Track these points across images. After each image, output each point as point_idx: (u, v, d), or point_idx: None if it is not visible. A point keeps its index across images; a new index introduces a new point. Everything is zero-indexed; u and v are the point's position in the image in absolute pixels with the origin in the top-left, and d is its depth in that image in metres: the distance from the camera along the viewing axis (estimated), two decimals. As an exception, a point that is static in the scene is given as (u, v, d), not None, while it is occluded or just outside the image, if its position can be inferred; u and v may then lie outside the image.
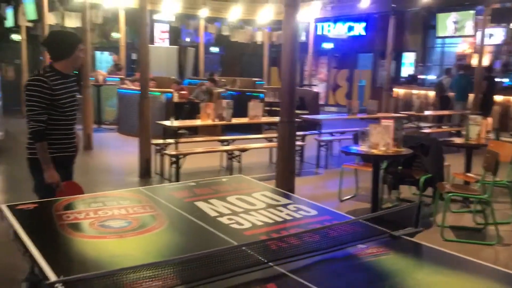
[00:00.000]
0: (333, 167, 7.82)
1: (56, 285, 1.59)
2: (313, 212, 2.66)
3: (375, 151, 4.67)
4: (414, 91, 14.62)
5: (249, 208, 2.67)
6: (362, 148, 4.78)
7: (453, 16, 11.34)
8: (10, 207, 2.54)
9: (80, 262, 1.96)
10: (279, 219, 2.51)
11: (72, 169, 3.56)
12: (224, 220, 2.47)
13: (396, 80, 16.42)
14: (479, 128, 5.68)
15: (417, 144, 5.45)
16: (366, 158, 5.56)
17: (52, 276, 1.69)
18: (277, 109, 10.60)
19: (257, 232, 2.30)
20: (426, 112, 9.85)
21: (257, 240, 2.11)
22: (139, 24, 6.90)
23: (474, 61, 12.62)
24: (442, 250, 2.16)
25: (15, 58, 15.37)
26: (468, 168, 5.80)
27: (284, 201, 2.87)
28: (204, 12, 14.72)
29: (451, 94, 12.19)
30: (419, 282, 1.84)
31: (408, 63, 17.08)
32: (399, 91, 15.26)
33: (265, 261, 1.92)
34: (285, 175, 4.08)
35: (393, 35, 12.65)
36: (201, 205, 2.71)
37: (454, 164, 6.34)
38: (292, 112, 4.13)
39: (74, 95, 3.41)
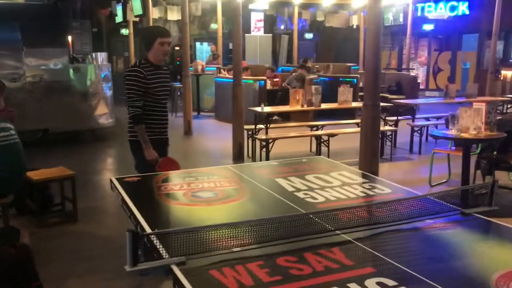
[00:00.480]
0: (427, 153, 7.61)
1: (152, 236, 1.92)
2: (387, 190, 2.77)
3: (464, 135, 4.56)
4: (524, 73, 13.55)
5: (325, 185, 2.86)
6: (452, 132, 4.69)
7: None
8: (119, 180, 2.97)
9: (173, 222, 2.31)
10: (352, 196, 2.67)
11: (167, 150, 3.90)
12: (300, 194, 2.68)
13: (505, 61, 15.29)
14: None
15: (514, 128, 5.18)
16: (458, 143, 5.41)
17: (148, 229, 2.03)
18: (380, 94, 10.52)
19: (330, 205, 2.48)
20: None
21: (323, 210, 2.30)
22: (233, 13, 7.27)
23: None
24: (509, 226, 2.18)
25: (124, 51, 16.71)
26: None
27: (360, 180, 3.01)
28: (298, -1, 14.85)
29: None
30: (477, 253, 1.92)
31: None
32: (507, 73, 14.23)
33: (332, 228, 2.11)
34: (367, 158, 4.17)
35: (500, 13, 11.78)
36: (281, 181, 2.94)
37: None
38: (376, 95, 4.19)
39: (166, 84, 3.74)
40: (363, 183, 2.94)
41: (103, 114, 8.78)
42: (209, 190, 2.79)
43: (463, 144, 4.83)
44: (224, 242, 1.94)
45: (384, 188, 2.82)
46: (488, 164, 5.36)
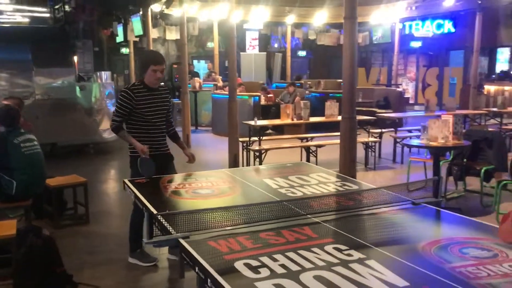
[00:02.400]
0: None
1: (161, 218, 2.48)
2: (355, 187, 3.33)
3: (433, 144, 5.14)
4: (506, 88, 14.20)
5: (304, 183, 3.42)
6: (422, 141, 5.27)
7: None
8: (131, 181, 3.53)
9: (178, 210, 2.86)
10: (325, 191, 3.23)
11: (173, 165, 4.26)
12: (282, 190, 3.24)
13: (489, 76, 15.99)
14: (547, 121, 5.85)
15: (482, 138, 5.78)
16: (429, 151, 5.99)
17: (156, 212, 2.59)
18: (361, 108, 11.12)
19: (306, 197, 3.04)
20: (510, 109, 9.76)
21: (296, 198, 2.88)
22: (228, 35, 7.89)
23: None
24: (445, 211, 2.75)
25: (125, 69, 17.36)
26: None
27: (334, 179, 3.57)
28: (290, 19, 15.56)
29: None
30: (414, 229, 2.50)
31: (503, 59, 16.52)
32: (490, 88, 14.89)
33: (304, 213, 2.67)
34: (346, 164, 4.74)
35: (480, 31, 12.49)
36: (267, 181, 3.50)
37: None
38: (352, 109, 4.77)
39: (160, 104, 4.00)
40: (336, 182, 3.51)
41: (107, 129, 9.34)
42: (207, 188, 3.35)
43: (433, 152, 5.41)
44: (219, 223, 2.50)
45: (352, 185, 3.38)
46: (459, 171, 5.94)
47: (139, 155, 3.91)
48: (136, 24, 13.16)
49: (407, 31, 16.98)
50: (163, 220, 2.51)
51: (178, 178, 3.70)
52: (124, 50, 17.21)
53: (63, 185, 5.12)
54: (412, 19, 16.08)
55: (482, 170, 5.50)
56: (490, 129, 6.48)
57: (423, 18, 16.11)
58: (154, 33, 13.91)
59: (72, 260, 4.11)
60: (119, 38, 15.50)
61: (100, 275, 3.93)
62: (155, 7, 12.68)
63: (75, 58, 10.47)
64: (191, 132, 10.62)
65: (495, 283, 1.81)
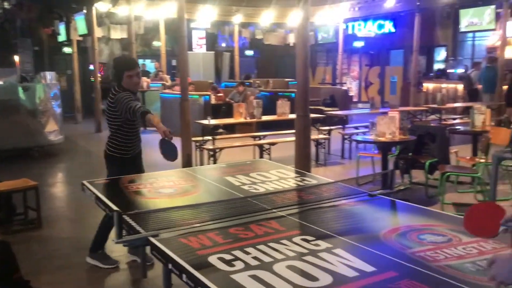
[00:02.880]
0: (356, 158, 8.50)
1: (129, 219, 2.48)
2: (314, 182, 3.46)
3: (381, 139, 5.39)
4: (443, 85, 15.00)
5: (265, 180, 3.51)
6: (371, 137, 5.52)
7: (473, 11, 11.76)
8: (90, 182, 3.48)
9: (141, 210, 2.86)
10: (287, 186, 3.33)
11: (141, 162, 4.21)
12: (245, 187, 3.31)
13: (427, 74, 16.80)
14: (483, 116, 6.28)
15: (425, 133, 6.11)
16: (377, 146, 6.27)
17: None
18: (316, 107, 11.39)
19: (270, 193, 3.12)
20: (448, 105, 10.35)
21: (260, 194, 2.96)
22: (178, 33, 7.85)
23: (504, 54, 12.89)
24: (400, 201, 2.93)
25: (67, 69, 16.78)
26: (475, 153, 6.41)
27: (293, 175, 3.69)
28: (238, 18, 15.65)
29: (480, 86, 12.57)
30: (374, 218, 2.64)
31: (440, 58, 17.40)
32: (429, 85, 15.67)
33: (270, 208, 2.75)
34: (301, 160, 4.88)
35: (419, 32, 13.13)
36: (229, 178, 3.56)
37: (465, 150, 6.95)
38: (306, 107, 4.93)
39: None
40: (296, 177, 3.63)
41: (53, 131, 9.04)
42: (170, 187, 3.37)
43: (381, 147, 5.67)
44: (188, 221, 2.53)
45: (312, 180, 3.51)
46: (405, 164, 6.25)
47: (122, 156, 3.90)
48: (80, 23, 12.79)
49: (350, 31, 17.55)
50: (130, 220, 2.52)
51: (138, 178, 3.68)
52: (67, 50, 16.65)
53: (12, 189, 4.93)
54: (355, 19, 16.64)
55: (427, 163, 5.82)
56: (433, 125, 6.86)
57: (365, 19, 16.71)
58: (98, 32, 13.55)
59: (28, 265, 3.98)
60: (62, 37, 14.98)
61: (59, 280, 3.84)
62: (100, 6, 12.39)
63: (17, 58, 10.04)
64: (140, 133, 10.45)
65: (452, 264, 1.98)
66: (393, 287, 1.77)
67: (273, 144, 7.84)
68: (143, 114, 3.67)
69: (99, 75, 13.83)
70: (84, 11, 12.39)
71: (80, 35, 13.27)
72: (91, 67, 15.01)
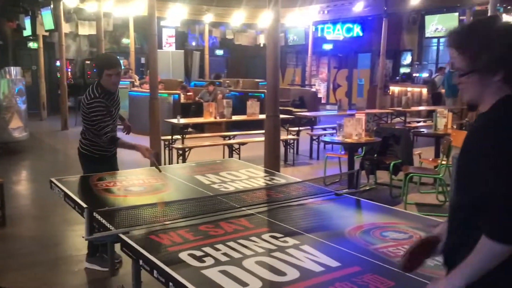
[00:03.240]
0: (324, 158, 8.65)
1: (99, 216, 2.49)
2: (283, 181, 3.54)
3: (348, 140, 5.53)
4: (409, 89, 15.40)
5: (235, 179, 3.56)
6: (338, 138, 5.65)
7: (438, 17, 12.14)
8: (58, 180, 3.45)
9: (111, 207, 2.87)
10: (256, 185, 3.40)
11: (116, 160, 4.15)
12: (215, 186, 3.36)
13: (393, 78, 17.21)
14: (445, 120, 6.51)
15: (390, 135, 6.30)
16: (344, 147, 6.41)
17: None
18: (285, 108, 11.49)
19: (239, 192, 3.18)
20: (413, 108, 10.65)
21: (230, 192, 3.02)
22: (148, 32, 7.80)
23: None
24: (365, 200, 3.04)
25: (32, 65, 16.37)
26: (437, 155, 6.64)
27: (262, 174, 3.76)
28: (208, 18, 15.64)
29: (443, 91, 12.98)
30: (340, 217, 2.74)
31: (406, 62, 17.84)
32: (395, 89, 16.06)
33: (239, 206, 2.81)
34: (271, 160, 4.96)
35: (386, 36, 13.45)
36: (199, 177, 3.60)
37: (428, 152, 7.18)
38: (276, 107, 5.00)
39: (119, 105, 3.97)
40: (265, 176, 3.70)
41: (17, 128, 8.84)
42: (139, 185, 3.38)
43: (348, 148, 5.81)
44: (158, 218, 2.56)
45: (280, 179, 3.59)
46: (371, 165, 6.41)
47: (94, 154, 3.86)
48: (46, 17, 12.50)
49: (319, 34, 17.79)
50: (101, 217, 2.52)
51: (107, 176, 3.67)
52: (32, 45, 16.24)
53: (-25, 187, 4.81)
54: (324, 22, 16.88)
55: (391, 164, 6.00)
56: (397, 127, 7.07)
57: (334, 22, 16.97)
58: (66, 28, 13.30)
59: (-9, 264, 3.92)
60: (27, 32, 14.59)
61: (24, 278, 3.78)
62: (68, 1, 12.16)
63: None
64: (108, 131, 10.33)
65: (412, 259, 2.08)
66: (357, 281, 1.85)
67: (243, 144, 7.90)
68: (112, 140, 3.73)
69: (66, 71, 13.57)
70: (51, 6, 12.13)
71: (47, 30, 12.97)
72: (58, 63, 14.71)
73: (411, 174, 5.62)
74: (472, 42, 1.46)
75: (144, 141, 8.72)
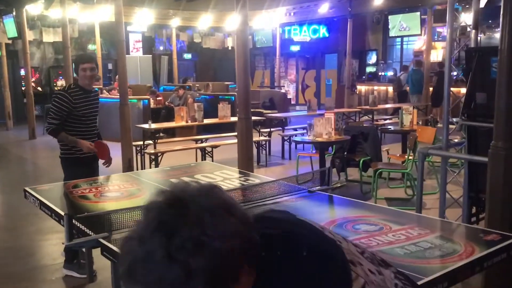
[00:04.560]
0: (296, 159, 8.79)
1: (78, 223, 2.52)
2: (257, 181, 3.62)
3: (319, 139, 5.66)
4: (375, 87, 15.77)
5: (210, 181, 3.62)
6: (309, 137, 5.78)
7: (401, 17, 12.51)
8: (32, 189, 3.44)
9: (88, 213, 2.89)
10: (231, 186, 3.47)
11: (97, 165, 4.21)
12: (191, 188, 3.41)
13: (360, 77, 17.58)
14: (411, 116, 6.74)
15: (358, 133, 6.48)
16: (315, 146, 6.56)
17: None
18: (256, 109, 11.59)
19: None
20: (380, 106, 10.95)
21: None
22: (115, 38, 7.77)
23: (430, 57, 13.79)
24: (337, 196, 3.16)
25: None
26: (404, 151, 6.86)
27: (237, 175, 3.84)
28: (175, 22, 15.62)
29: (408, 88, 13.36)
30: (311, 213, 2.84)
31: (371, 62, 18.24)
32: (361, 88, 16.41)
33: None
34: (244, 161, 5.04)
35: (352, 36, 13.75)
36: (174, 180, 3.64)
37: (396, 148, 7.41)
38: (248, 109, 5.09)
39: (95, 107, 4.05)
40: (240, 177, 3.77)
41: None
42: (115, 191, 3.41)
43: (319, 147, 5.95)
44: (129, 223, 2.60)
45: (255, 179, 3.67)
46: (341, 163, 6.58)
47: (75, 156, 3.94)
48: (9, 25, 12.26)
49: (286, 36, 18.01)
50: (79, 223, 2.55)
51: (82, 183, 3.67)
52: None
53: None
54: (290, 24, 17.11)
55: (361, 161, 6.17)
56: (365, 125, 7.27)
57: (301, 24, 17.23)
58: (29, 35, 13.06)
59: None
60: (-12, 40, 14.26)
61: (-1, 290, 3.75)
62: (31, 8, 11.96)
63: None
64: (78, 139, 10.21)
65: (384, 249, 2.20)
66: (332, 272, 1.95)
67: (215, 146, 7.95)
68: (53, 132, 3.91)
69: (31, 79, 13.33)
70: (14, 13, 11.90)
71: (10, 38, 12.72)
72: (22, 71, 14.42)
73: (380, 170, 5.80)
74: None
75: (115, 147, 8.69)
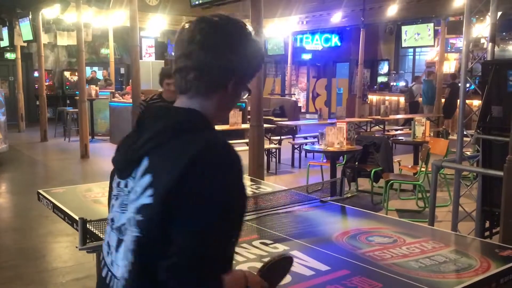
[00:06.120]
0: (306, 167, 8.77)
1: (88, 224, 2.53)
2: (269, 189, 3.62)
3: (330, 148, 5.65)
4: (387, 97, 15.73)
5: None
6: (320, 146, 5.77)
7: (414, 27, 12.49)
8: (46, 191, 3.46)
9: (105, 217, 2.90)
10: (243, 194, 3.47)
11: None
12: (203, 195, 3.42)
13: (371, 87, 17.55)
14: (423, 128, 6.71)
15: (370, 143, 6.45)
16: (326, 155, 6.54)
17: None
18: (266, 117, 11.59)
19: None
20: (391, 116, 10.90)
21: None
22: (130, 43, 7.84)
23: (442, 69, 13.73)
24: (350, 207, 3.15)
25: (10, 75, 16.19)
26: (416, 162, 6.82)
27: (249, 183, 3.83)
28: (188, 28, 15.70)
29: (421, 99, 13.30)
30: (326, 223, 2.83)
31: (383, 71, 18.21)
32: (373, 97, 16.38)
33: (229, 214, 2.88)
34: (255, 169, 5.04)
35: (364, 46, 13.74)
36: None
37: (407, 159, 7.37)
38: (260, 117, 5.10)
39: None
40: (251, 185, 3.77)
41: (-4, 140, 8.73)
42: (128, 195, 3.42)
43: (330, 156, 5.93)
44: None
45: (266, 188, 3.67)
46: (352, 173, 6.55)
47: None
48: (24, 28, 12.41)
49: (298, 44, 18.05)
50: (92, 228, 2.56)
51: (95, 187, 3.70)
52: (9, 55, 16.05)
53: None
54: (303, 32, 17.14)
55: (372, 172, 6.14)
56: (377, 135, 7.24)
57: (313, 32, 17.26)
58: (44, 39, 13.21)
59: (-24, 278, 3.89)
60: (4, 43, 14.43)
61: (10, 291, 3.77)
62: (47, 12, 12.10)
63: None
64: (89, 142, 10.28)
65: (397, 262, 2.18)
66: (347, 283, 1.94)
67: (225, 153, 7.96)
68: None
69: (45, 82, 13.47)
70: (30, 16, 12.04)
71: (25, 41, 12.86)
72: (36, 73, 14.58)
73: (392, 181, 5.77)
74: None
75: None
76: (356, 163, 6.57)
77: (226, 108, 1.31)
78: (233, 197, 1.12)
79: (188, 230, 1.05)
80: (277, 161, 8.84)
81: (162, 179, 1.09)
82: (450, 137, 8.15)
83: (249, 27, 1.26)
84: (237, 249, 2.31)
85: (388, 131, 10.68)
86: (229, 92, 1.24)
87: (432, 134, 7.24)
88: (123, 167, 1.23)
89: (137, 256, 1.12)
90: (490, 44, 4.04)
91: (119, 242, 1.17)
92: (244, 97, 1.38)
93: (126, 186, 1.20)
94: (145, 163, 1.16)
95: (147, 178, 1.13)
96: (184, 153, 1.10)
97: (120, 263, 1.17)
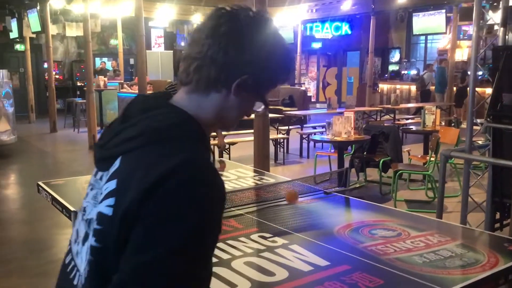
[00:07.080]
0: (314, 157, 8.68)
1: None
2: (272, 180, 3.54)
3: (338, 138, 5.55)
4: (398, 86, 15.50)
5: (225, 179, 3.54)
6: (328, 136, 5.66)
7: (426, 14, 12.24)
8: (45, 183, 3.42)
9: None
10: (245, 185, 3.40)
11: None
12: (204, 186, 3.35)
13: (382, 76, 17.31)
14: (433, 116, 6.56)
15: (379, 132, 6.33)
16: (334, 145, 6.44)
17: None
18: (275, 107, 11.49)
19: (228, 192, 3.18)
20: (402, 105, 10.73)
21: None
22: (136, 33, 7.78)
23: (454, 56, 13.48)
24: (354, 198, 3.06)
25: (20, 67, 16.25)
26: (426, 152, 6.68)
27: (251, 174, 3.76)
28: (197, 17, 15.58)
29: (432, 88, 13.09)
30: (329, 215, 2.75)
31: (394, 60, 17.95)
32: (384, 86, 16.15)
33: (227, 207, 2.80)
34: (260, 159, 4.97)
35: (375, 34, 13.52)
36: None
37: (417, 148, 7.23)
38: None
39: None
40: (254, 176, 3.70)
41: (5, 131, 8.76)
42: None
43: (337, 146, 5.83)
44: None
45: (269, 178, 3.59)
46: (360, 163, 6.44)
47: None
48: (33, 19, 12.41)
49: (308, 33, 17.83)
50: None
51: (96, 178, 3.65)
52: (19, 47, 16.10)
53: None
54: (312, 21, 16.92)
55: (380, 162, 6.03)
56: (386, 124, 7.11)
57: (323, 21, 17.02)
58: (53, 30, 13.21)
59: (-21, 270, 3.88)
60: (13, 34, 14.47)
61: (13, 284, 3.75)
62: (54, 2, 12.07)
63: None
64: (97, 133, 10.27)
65: (401, 257, 2.09)
66: (346, 280, 1.86)
67: (232, 143, 7.89)
68: None
69: (54, 73, 13.49)
70: (38, 7, 12.03)
71: (34, 32, 12.87)
72: (45, 65, 14.60)
73: (401, 171, 5.66)
74: None
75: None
76: (365, 153, 6.46)
77: (227, 116, 1.10)
78: (200, 231, 0.93)
79: (137, 259, 0.88)
80: (285, 151, 8.75)
81: (126, 192, 0.95)
82: (462, 126, 7.97)
83: (274, 26, 1.11)
84: (233, 243, 2.24)
85: (398, 120, 10.53)
86: (233, 95, 1.05)
87: (443, 123, 7.09)
88: (101, 158, 1.13)
89: (93, 267, 1.00)
90: (501, 29, 3.89)
91: (86, 236, 1.08)
92: (259, 110, 1.15)
93: (101, 179, 1.11)
94: (117, 163, 1.03)
95: (113, 184, 1.00)
96: (158, 165, 0.94)
97: (83, 258, 1.07)
